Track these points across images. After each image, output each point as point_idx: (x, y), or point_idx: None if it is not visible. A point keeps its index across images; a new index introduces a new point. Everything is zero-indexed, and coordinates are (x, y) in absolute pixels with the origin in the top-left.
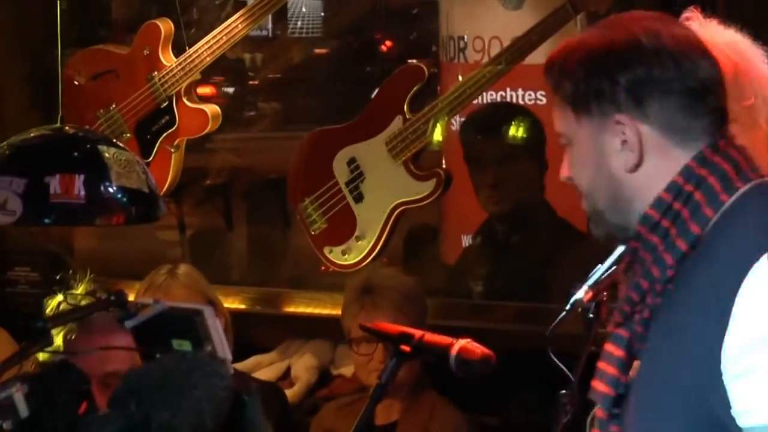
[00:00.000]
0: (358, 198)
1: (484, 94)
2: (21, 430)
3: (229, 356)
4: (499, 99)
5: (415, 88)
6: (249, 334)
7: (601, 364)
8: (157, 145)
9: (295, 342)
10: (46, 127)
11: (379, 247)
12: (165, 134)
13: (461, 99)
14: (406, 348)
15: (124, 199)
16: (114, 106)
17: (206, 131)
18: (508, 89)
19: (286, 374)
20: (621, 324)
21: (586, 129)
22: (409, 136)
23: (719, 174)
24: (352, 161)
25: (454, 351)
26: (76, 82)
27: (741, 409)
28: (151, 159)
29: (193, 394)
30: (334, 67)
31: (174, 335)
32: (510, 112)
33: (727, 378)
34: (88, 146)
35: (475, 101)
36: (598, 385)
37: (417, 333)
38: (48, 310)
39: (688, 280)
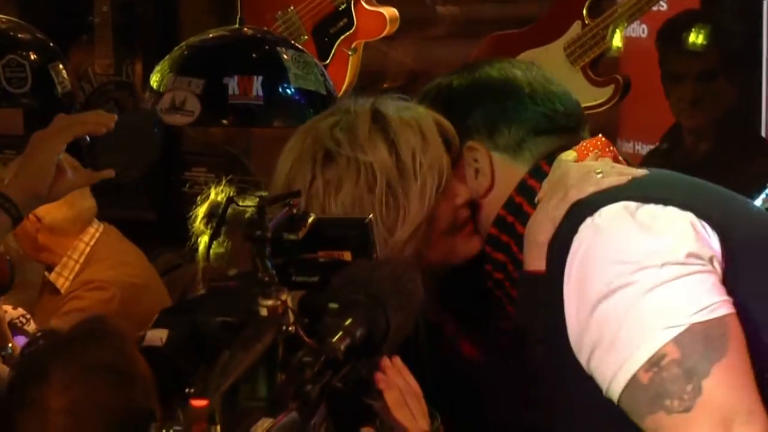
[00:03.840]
0: None
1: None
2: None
3: None
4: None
5: None
6: None
7: None
8: (335, 47)
9: None
10: (225, 28)
11: None
12: (342, 37)
13: (641, 5)
14: None
15: (302, 101)
16: (292, 8)
17: (384, 34)
18: None
19: None
20: None
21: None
22: (587, 42)
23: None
24: None
25: None
26: None
27: (606, 386)
28: (328, 62)
29: (413, 297)
30: None
31: (324, 247)
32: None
33: (586, 365)
34: (267, 48)
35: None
36: None
37: None
38: (205, 205)
39: None
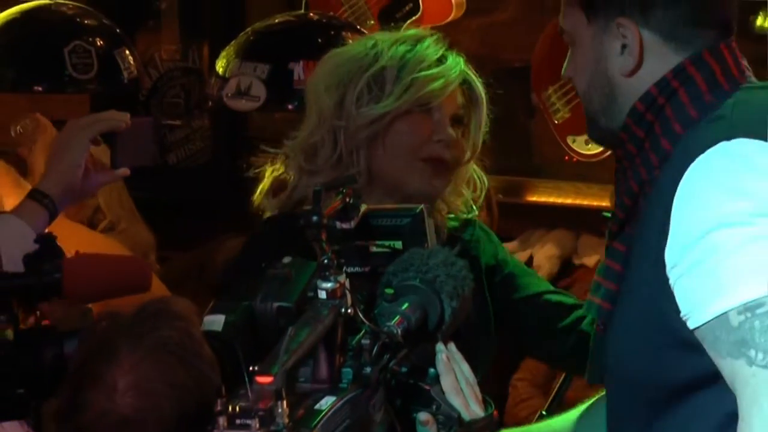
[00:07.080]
0: None
1: None
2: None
3: None
4: None
5: None
6: None
7: (598, 278)
8: None
9: (537, 231)
10: (290, 13)
11: None
12: (408, 21)
13: None
14: None
15: None
16: None
17: (450, 18)
18: None
19: (528, 263)
20: (616, 235)
21: (592, 30)
22: None
23: (707, 73)
24: None
25: None
26: None
27: (688, 310)
28: None
29: (467, 284)
30: None
31: (376, 237)
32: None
33: (672, 282)
34: (332, 32)
35: None
36: (595, 299)
37: None
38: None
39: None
